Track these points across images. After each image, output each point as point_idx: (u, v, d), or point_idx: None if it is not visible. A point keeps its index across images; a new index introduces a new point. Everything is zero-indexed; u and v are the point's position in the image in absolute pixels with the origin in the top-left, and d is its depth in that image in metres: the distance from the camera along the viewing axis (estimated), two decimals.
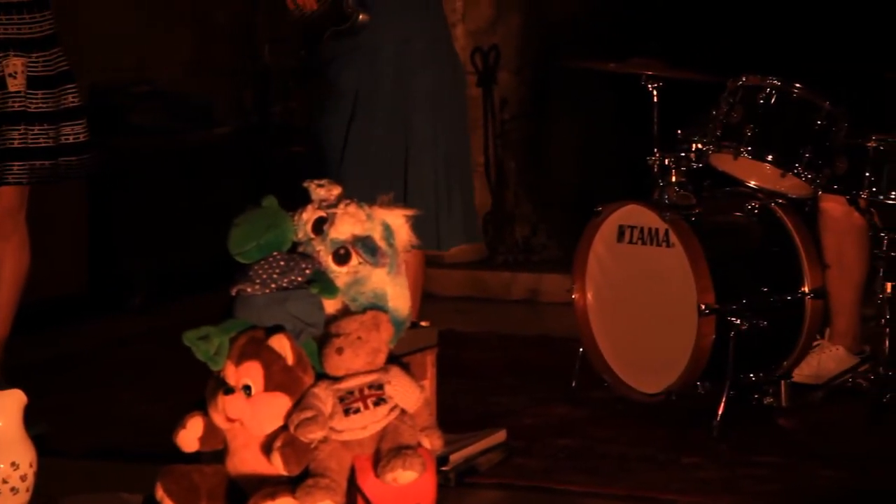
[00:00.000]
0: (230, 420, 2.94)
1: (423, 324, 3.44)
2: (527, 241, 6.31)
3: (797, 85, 4.01)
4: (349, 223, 3.11)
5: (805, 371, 4.17)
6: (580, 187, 6.30)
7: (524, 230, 6.32)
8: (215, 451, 3.00)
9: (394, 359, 3.10)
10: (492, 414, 4.03)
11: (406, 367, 3.12)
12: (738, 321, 3.91)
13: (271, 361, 2.95)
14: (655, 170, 4.17)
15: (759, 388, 4.07)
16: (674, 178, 4.12)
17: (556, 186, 6.39)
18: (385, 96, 3.74)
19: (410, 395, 3.03)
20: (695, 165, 4.13)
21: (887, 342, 3.95)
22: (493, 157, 6.18)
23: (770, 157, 4.01)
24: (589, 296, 4.22)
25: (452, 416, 3.66)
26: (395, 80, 3.74)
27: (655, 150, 4.17)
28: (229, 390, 2.94)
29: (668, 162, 4.12)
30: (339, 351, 3.00)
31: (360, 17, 3.67)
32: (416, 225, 3.18)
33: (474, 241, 4.01)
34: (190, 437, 2.97)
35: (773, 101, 4.02)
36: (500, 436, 3.67)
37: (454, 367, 4.42)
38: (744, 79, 4.08)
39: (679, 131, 4.18)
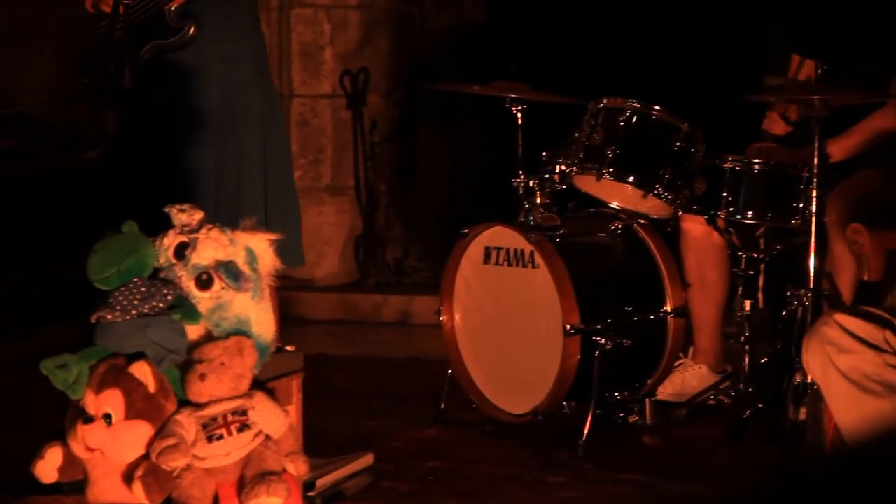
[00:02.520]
0: (90, 449, 2.90)
1: (288, 348, 3.43)
2: (398, 264, 6.33)
3: (656, 107, 4.08)
4: (211, 248, 3.09)
5: (669, 389, 4.24)
6: (451, 209, 6.34)
7: (396, 252, 6.33)
8: (75, 482, 2.95)
9: (258, 384, 3.09)
10: (360, 437, 4.02)
11: (271, 393, 3.10)
12: (603, 341, 3.96)
13: (132, 389, 2.92)
14: (521, 191, 4.21)
15: (624, 407, 4.12)
16: (539, 200, 4.16)
17: (428, 208, 6.42)
18: (212, 115, 3.68)
19: (275, 421, 3.02)
20: (559, 187, 4.17)
21: (747, 360, 4.03)
22: (364, 179, 6.18)
23: (631, 179, 4.07)
24: (457, 317, 4.24)
25: (320, 440, 3.65)
26: (223, 99, 3.69)
27: (520, 171, 4.21)
28: (89, 419, 2.90)
29: (533, 184, 4.17)
30: (202, 377, 2.98)
31: (192, 29, 3.60)
32: None
33: (299, 265, 3.97)
34: (49, 467, 2.92)
35: (633, 123, 4.08)
36: (367, 459, 3.66)
37: (324, 391, 4.41)
38: (605, 101, 4.13)
39: (544, 153, 4.22)
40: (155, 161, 3.70)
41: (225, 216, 3.29)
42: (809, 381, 3.77)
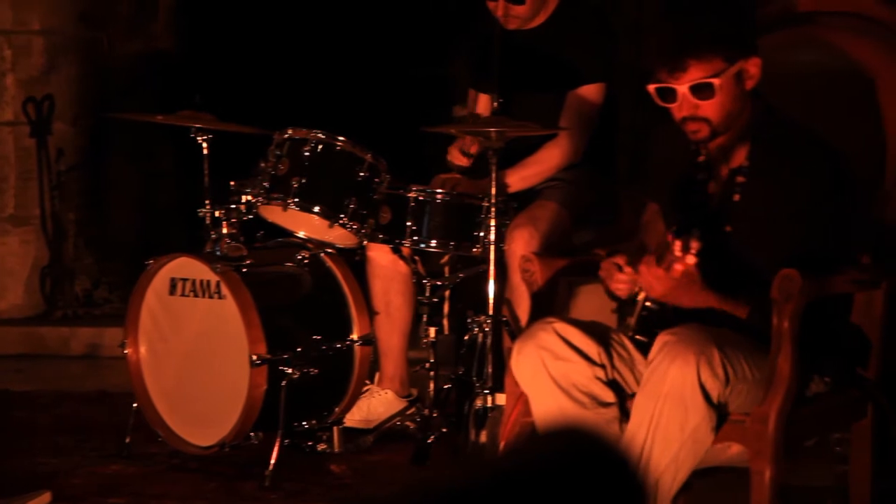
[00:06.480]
0: None
1: None
2: (88, 295, 6.17)
3: (340, 138, 4.11)
4: None
5: (356, 416, 4.27)
6: (143, 239, 6.23)
7: (85, 284, 6.17)
8: None
9: None
10: (39, 475, 3.89)
11: None
12: (290, 370, 3.96)
13: None
14: (207, 221, 4.18)
15: (312, 436, 4.13)
16: (225, 230, 4.13)
17: (119, 238, 6.29)
18: None
19: None
20: (246, 217, 4.16)
21: (432, 385, 4.11)
22: (50, 209, 6.01)
23: (317, 209, 4.09)
24: (142, 350, 4.17)
25: None
26: None
27: (207, 202, 4.18)
28: None
29: (220, 214, 4.14)
30: None
31: None
32: None
33: None
34: None
35: (318, 153, 4.11)
36: (44, 498, 3.56)
37: (3, 428, 4.26)
38: (290, 132, 4.14)
39: (232, 183, 4.20)
40: None
41: None
42: (490, 405, 3.88)
